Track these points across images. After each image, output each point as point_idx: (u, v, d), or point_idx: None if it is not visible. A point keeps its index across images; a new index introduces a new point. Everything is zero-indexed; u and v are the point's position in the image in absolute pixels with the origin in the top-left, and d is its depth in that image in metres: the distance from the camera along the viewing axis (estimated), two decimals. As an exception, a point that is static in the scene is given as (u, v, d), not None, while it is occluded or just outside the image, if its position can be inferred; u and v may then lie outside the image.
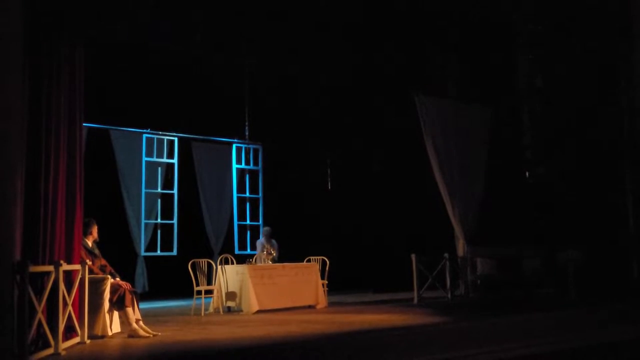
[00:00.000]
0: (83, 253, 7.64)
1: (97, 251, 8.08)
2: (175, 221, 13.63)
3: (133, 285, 9.03)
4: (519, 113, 14.35)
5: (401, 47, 12.61)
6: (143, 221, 13.44)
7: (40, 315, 6.12)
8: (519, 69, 14.30)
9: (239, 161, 14.79)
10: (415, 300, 11.67)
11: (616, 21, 13.25)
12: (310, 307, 10.90)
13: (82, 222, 7.45)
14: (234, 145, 14.75)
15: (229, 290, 10.46)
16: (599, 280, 12.11)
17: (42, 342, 6.31)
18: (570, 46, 13.52)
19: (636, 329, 8.82)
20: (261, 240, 12.07)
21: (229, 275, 10.52)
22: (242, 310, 10.25)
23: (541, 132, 14.15)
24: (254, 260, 11.16)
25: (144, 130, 13.44)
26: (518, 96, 14.40)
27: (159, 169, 13.69)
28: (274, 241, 11.85)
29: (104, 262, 8.10)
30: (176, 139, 13.85)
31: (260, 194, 15.14)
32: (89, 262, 7.40)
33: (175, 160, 13.79)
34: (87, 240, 7.93)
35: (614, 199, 13.37)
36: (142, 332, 7.52)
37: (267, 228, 12.38)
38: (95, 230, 8.10)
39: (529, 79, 14.15)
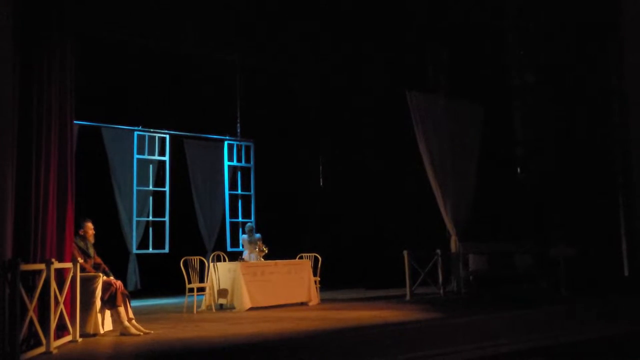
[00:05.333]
0: (75, 251, 7.62)
1: (91, 250, 8.06)
2: (167, 219, 13.60)
3: (125, 283, 9.01)
4: (511, 109, 14.38)
5: (393, 43, 12.61)
6: (135, 219, 13.41)
7: (32, 314, 6.10)
8: (510, 64, 14.31)
9: (230, 158, 14.77)
10: (408, 297, 11.68)
11: (607, 15, 13.28)
12: (302, 304, 10.90)
13: (74, 221, 7.43)
14: (226, 143, 14.73)
15: (221, 287, 10.44)
16: (591, 276, 12.16)
17: (33, 341, 6.29)
18: (561, 41, 13.55)
19: (626, 325, 8.87)
20: (244, 237, 12.03)
21: (221, 273, 10.50)
22: (234, 308, 10.24)
23: (532, 128, 14.17)
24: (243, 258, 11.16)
25: (136, 128, 13.40)
26: (509, 92, 14.42)
27: (151, 166, 13.67)
28: (258, 235, 11.84)
29: (98, 260, 8.09)
30: (168, 137, 13.82)
31: (252, 191, 15.13)
32: (80, 260, 7.38)
33: (167, 158, 13.77)
34: (80, 239, 7.92)
35: (605, 195, 13.41)
36: (134, 330, 7.50)
37: (248, 224, 12.39)
38: (86, 229, 8.06)
39: (520, 74, 14.16)
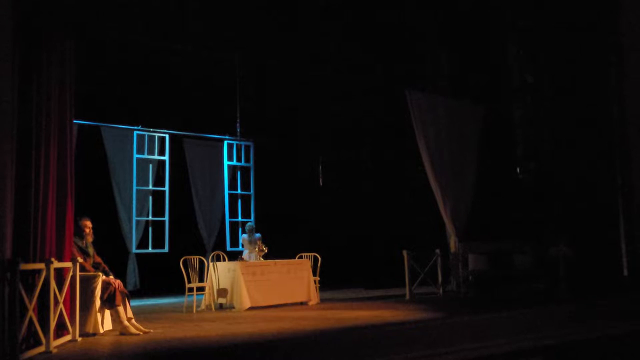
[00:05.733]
0: (75, 250, 7.62)
1: (91, 249, 8.06)
2: (166, 218, 13.60)
3: (124, 282, 8.99)
4: (510, 109, 14.38)
5: (393, 43, 12.62)
6: (134, 218, 13.40)
7: (32, 313, 6.10)
8: (510, 64, 14.32)
9: (230, 158, 14.78)
10: (407, 296, 11.68)
11: (607, 16, 13.28)
12: (302, 303, 10.91)
13: (74, 220, 7.43)
14: (226, 142, 14.73)
15: (221, 287, 10.44)
16: (590, 276, 12.17)
17: (33, 340, 6.28)
18: (561, 42, 13.56)
19: (626, 325, 8.88)
20: (245, 236, 12.02)
21: (221, 272, 10.50)
22: (234, 307, 10.24)
23: (532, 128, 14.18)
24: (243, 258, 11.16)
25: (135, 127, 13.40)
26: (509, 92, 14.43)
27: (150, 166, 13.66)
28: (258, 235, 11.84)
29: (98, 259, 8.09)
30: (167, 136, 13.82)
31: (252, 191, 15.13)
32: (80, 260, 7.37)
33: (166, 157, 13.77)
34: (79, 238, 7.91)
35: (604, 195, 13.42)
36: (133, 330, 7.51)
37: (249, 224, 12.38)
38: (83, 226, 8.05)
39: (520, 74, 14.17)
